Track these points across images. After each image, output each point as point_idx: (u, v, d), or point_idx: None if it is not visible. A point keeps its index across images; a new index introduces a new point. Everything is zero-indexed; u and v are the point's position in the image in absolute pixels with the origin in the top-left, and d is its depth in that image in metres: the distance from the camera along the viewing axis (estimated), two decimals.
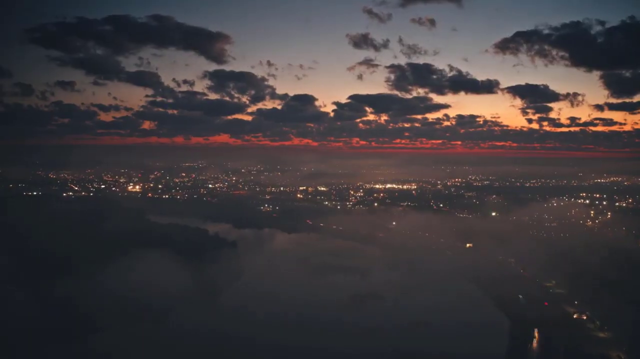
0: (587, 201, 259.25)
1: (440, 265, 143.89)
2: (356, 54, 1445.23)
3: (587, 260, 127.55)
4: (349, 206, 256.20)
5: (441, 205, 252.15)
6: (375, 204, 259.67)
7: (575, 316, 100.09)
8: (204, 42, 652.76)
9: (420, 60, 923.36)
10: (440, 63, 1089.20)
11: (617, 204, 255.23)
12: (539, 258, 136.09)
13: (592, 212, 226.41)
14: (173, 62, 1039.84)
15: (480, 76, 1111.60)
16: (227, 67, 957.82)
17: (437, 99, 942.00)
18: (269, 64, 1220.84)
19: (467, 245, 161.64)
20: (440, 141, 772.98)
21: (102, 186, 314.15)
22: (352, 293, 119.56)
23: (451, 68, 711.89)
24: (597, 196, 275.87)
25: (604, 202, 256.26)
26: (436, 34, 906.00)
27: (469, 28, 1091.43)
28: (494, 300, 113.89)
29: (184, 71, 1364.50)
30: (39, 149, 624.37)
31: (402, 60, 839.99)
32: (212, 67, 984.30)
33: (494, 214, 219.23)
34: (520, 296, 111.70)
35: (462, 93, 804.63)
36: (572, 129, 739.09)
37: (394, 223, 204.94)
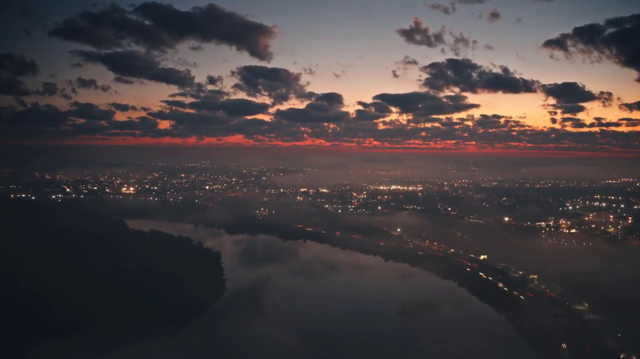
0: (604, 204, 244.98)
1: (454, 290, 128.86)
2: (401, 51, 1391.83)
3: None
4: (351, 209, 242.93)
5: (449, 208, 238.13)
6: (379, 207, 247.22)
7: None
8: (250, 36, 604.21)
9: (470, 55, 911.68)
10: (485, 60, 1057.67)
11: (635, 207, 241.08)
12: (562, 274, 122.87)
13: (611, 216, 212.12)
14: (211, 57, 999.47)
15: (526, 74, 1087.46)
16: (268, 63, 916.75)
17: (471, 98, 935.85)
18: (309, 61, 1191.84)
19: (482, 257, 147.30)
20: (453, 141, 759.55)
21: (95, 188, 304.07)
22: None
23: (494, 65, 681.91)
24: (612, 197, 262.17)
25: (622, 205, 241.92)
26: (496, 28, 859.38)
27: (535, 19, 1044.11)
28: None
29: (222, 67, 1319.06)
30: (44, 149, 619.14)
31: (451, 56, 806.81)
32: (254, 62, 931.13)
33: (506, 219, 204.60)
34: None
35: (500, 92, 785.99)
36: (592, 129, 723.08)
37: (398, 229, 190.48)
